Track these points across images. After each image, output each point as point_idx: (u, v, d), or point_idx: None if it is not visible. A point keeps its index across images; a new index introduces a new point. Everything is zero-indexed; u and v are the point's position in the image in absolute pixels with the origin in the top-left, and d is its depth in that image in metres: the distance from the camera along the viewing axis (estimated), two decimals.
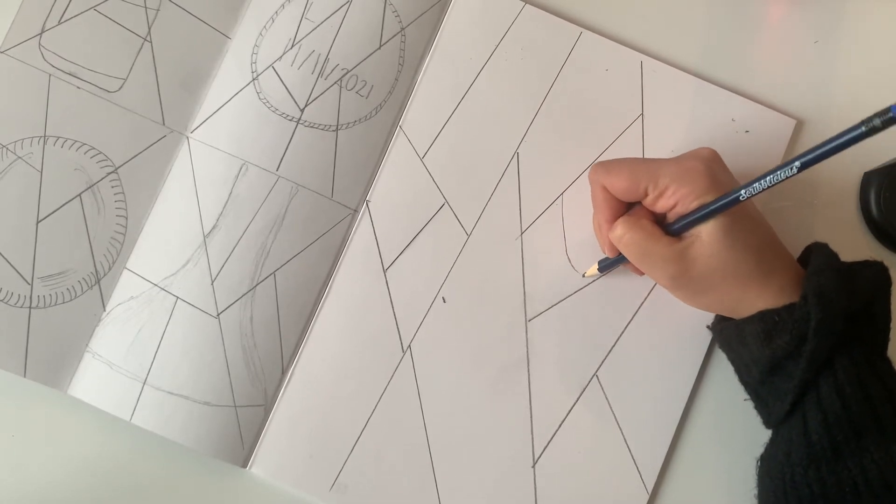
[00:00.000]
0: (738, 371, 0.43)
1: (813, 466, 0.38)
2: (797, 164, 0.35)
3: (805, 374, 0.38)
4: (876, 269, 0.40)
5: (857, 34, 0.49)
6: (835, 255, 0.41)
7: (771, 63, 0.49)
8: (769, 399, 0.41)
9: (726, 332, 0.43)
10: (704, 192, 0.39)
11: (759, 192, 0.37)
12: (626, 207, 0.43)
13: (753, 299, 0.40)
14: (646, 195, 0.41)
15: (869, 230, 0.48)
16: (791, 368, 0.39)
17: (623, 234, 0.41)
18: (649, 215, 0.42)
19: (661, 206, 0.41)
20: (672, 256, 0.40)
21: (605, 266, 0.46)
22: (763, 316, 0.40)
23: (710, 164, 0.40)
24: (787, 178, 0.36)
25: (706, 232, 0.39)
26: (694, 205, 0.39)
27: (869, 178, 0.48)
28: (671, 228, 0.41)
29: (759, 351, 0.40)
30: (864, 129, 0.32)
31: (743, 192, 0.37)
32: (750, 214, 0.41)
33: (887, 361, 0.40)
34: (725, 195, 0.38)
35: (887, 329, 0.40)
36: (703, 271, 0.40)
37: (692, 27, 0.49)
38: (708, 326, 0.46)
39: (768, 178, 0.36)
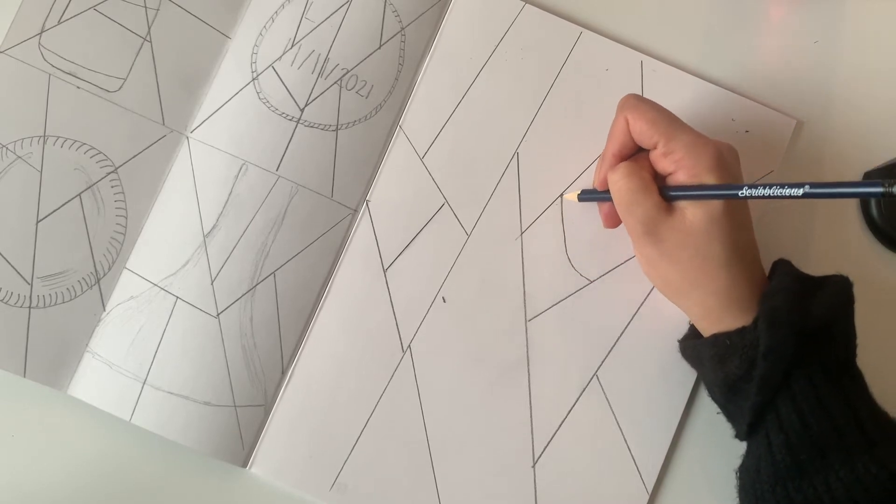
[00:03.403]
0: (706, 387, 0.44)
1: (780, 485, 0.38)
2: (807, 187, 0.35)
3: (757, 398, 0.38)
4: (839, 287, 0.39)
5: (857, 34, 0.49)
6: (794, 275, 0.40)
7: (771, 63, 0.49)
8: (735, 415, 0.41)
9: (687, 352, 0.44)
10: (707, 172, 0.39)
11: (757, 198, 0.37)
12: (635, 151, 0.43)
13: (708, 293, 0.40)
14: (655, 147, 0.41)
15: (869, 230, 0.48)
16: (747, 390, 0.39)
17: (620, 179, 0.41)
18: (651, 169, 0.42)
19: (662, 166, 0.41)
20: (654, 216, 0.40)
21: (586, 198, 0.46)
22: (716, 340, 0.40)
23: (724, 152, 0.40)
24: (789, 196, 0.36)
25: (692, 211, 0.39)
26: (693, 181, 0.39)
27: (869, 179, 0.48)
28: (665, 193, 0.40)
29: (714, 373, 0.40)
30: (882, 190, 0.31)
31: (744, 190, 0.37)
32: (741, 219, 0.40)
33: (854, 377, 0.39)
34: (726, 185, 0.38)
35: (851, 345, 0.40)
36: (675, 244, 0.40)
37: (692, 27, 0.49)
38: (678, 340, 0.46)
39: (774, 189, 0.36)
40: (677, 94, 0.48)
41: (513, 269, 0.48)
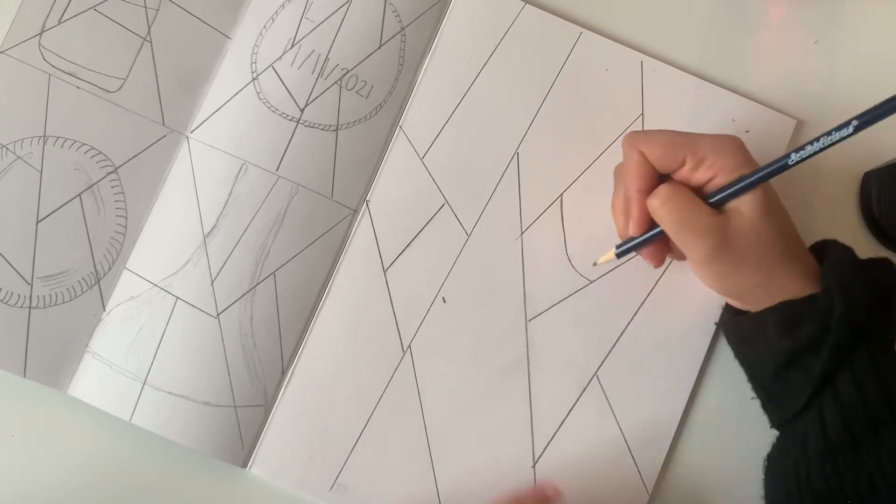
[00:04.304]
0: (749, 367, 0.43)
1: (830, 460, 0.38)
2: (854, 123, 0.34)
3: (826, 366, 0.37)
4: (887, 265, 0.40)
5: (857, 34, 0.49)
6: (850, 250, 0.41)
7: (771, 63, 0.49)
8: (782, 394, 0.41)
9: (743, 325, 0.42)
10: (741, 165, 0.39)
11: (810, 156, 0.36)
12: (658, 180, 0.42)
13: (781, 280, 0.40)
14: (682, 165, 0.40)
15: (869, 230, 0.48)
16: (809, 361, 0.38)
17: (667, 199, 0.40)
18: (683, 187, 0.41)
19: (697, 178, 0.40)
20: (716, 226, 0.39)
21: (626, 250, 0.43)
22: (783, 307, 0.39)
23: (740, 143, 0.40)
24: (840, 139, 0.35)
25: (747, 205, 0.39)
26: (733, 177, 0.39)
27: (869, 178, 0.48)
28: (710, 200, 0.40)
29: (778, 343, 0.39)
30: None
31: (793, 155, 0.37)
32: (776, 197, 0.41)
33: None
34: (772, 162, 0.38)
35: None
36: (744, 245, 0.39)
37: (692, 27, 0.49)
38: (716, 323, 0.46)
39: (822, 140, 0.35)
40: (677, 94, 0.48)
41: (513, 269, 0.48)
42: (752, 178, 0.39)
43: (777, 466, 0.41)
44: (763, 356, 0.41)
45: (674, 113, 0.48)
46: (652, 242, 0.42)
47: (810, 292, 0.39)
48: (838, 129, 0.35)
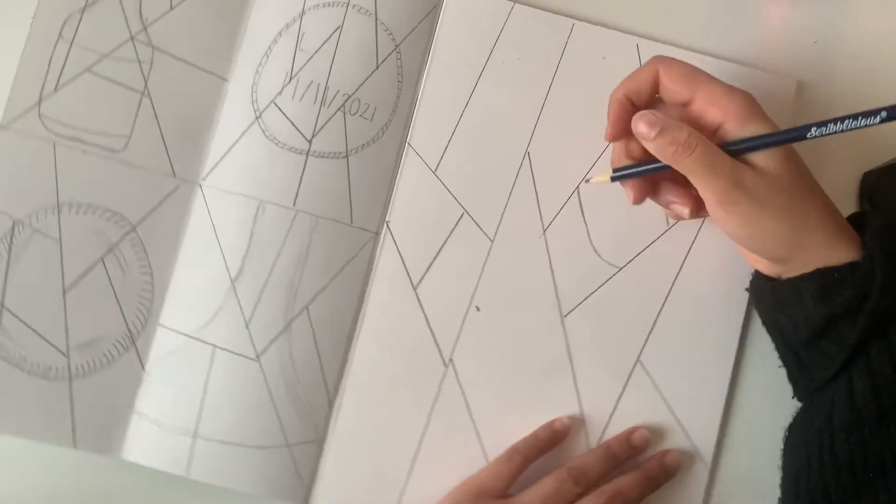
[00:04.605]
0: (780, 334, 0.43)
1: (856, 431, 0.38)
2: (883, 113, 0.34)
3: (863, 334, 0.38)
4: None
5: (857, 34, 0.49)
6: (892, 220, 0.40)
7: (770, 62, 0.49)
8: (812, 363, 0.41)
9: (779, 290, 0.41)
10: (752, 115, 0.39)
11: (831, 134, 0.36)
12: (646, 104, 0.42)
13: (809, 237, 0.39)
14: (691, 101, 0.40)
15: None
16: (844, 329, 0.38)
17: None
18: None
19: (708, 119, 0.39)
20: (736, 168, 0.38)
21: (622, 175, 0.42)
22: (822, 273, 0.39)
23: (753, 98, 0.40)
24: (866, 126, 0.34)
25: (765, 158, 0.38)
26: (748, 129, 0.38)
27: (869, 178, 0.47)
28: (727, 148, 0.39)
29: (815, 309, 0.39)
30: None
31: (814, 129, 0.36)
32: (802, 162, 0.40)
33: None
34: (795, 129, 0.38)
35: None
36: (765, 191, 0.38)
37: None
38: (746, 289, 0.46)
39: (847, 122, 0.35)
40: None
41: (541, 268, 0.48)
42: (771, 139, 0.38)
43: (800, 437, 0.41)
44: (796, 323, 0.41)
45: None
46: (650, 174, 0.42)
47: (848, 259, 0.38)
48: (866, 115, 0.34)
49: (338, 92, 0.48)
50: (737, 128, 0.39)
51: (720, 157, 0.38)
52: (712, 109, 0.39)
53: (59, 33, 0.47)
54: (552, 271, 0.48)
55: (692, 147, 0.38)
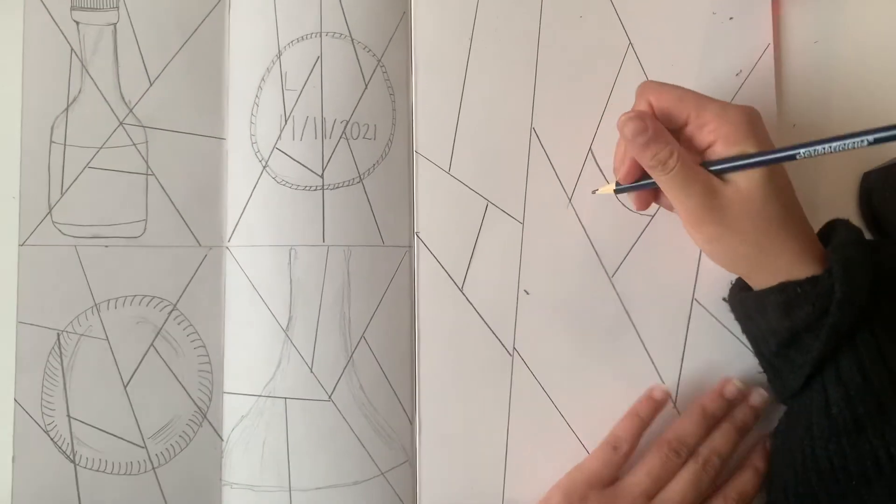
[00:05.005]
0: (753, 342, 0.44)
1: (834, 440, 0.38)
2: (871, 138, 0.34)
3: (824, 347, 0.38)
4: (892, 247, 0.40)
5: (857, 34, 0.49)
6: (859, 230, 0.41)
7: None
8: (784, 371, 0.41)
9: (746, 302, 0.42)
10: (745, 137, 0.38)
11: (819, 156, 0.36)
12: None
13: (773, 257, 0.39)
14: (685, 124, 0.40)
15: (869, 230, 0.48)
16: (808, 341, 0.39)
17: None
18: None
19: (699, 140, 0.40)
20: (710, 188, 0.39)
21: (624, 189, 0.44)
22: (784, 287, 0.39)
23: (751, 115, 0.40)
24: (853, 148, 0.34)
25: (746, 180, 0.38)
26: (735, 150, 0.39)
27: (869, 178, 0.47)
28: (709, 168, 0.39)
29: (778, 322, 0.39)
30: None
31: (802, 151, 0.36)
32: (787, 178, 0.40)
33: None
34: (782, 149, 0.37)
35: None
36: (737, 214, 0.39)
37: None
38: (724, 299, 0.46)
39: (833, 143, 0.35)
40: (654, 8, 0.49)
41: (577, 235, 0.48)
42: (753, 161, 0.38)
43: (784, 444, 0.42)
44: (765, 333, 0.41)
45: (656, 28, 0.49)
46: (646, 189, 0.43)
47: (811, 273, 0.39)
48: (851, 137, 0.34)
49: (335, 120, 0.48)
50: (723, 149, 0.39)
51: (695, 178, 0.39)
52: (702, 133, 0.40)
53: (50, 138, 0.46)
54: (588, 236, 0.48)
55: (670, 168, 0.39)
